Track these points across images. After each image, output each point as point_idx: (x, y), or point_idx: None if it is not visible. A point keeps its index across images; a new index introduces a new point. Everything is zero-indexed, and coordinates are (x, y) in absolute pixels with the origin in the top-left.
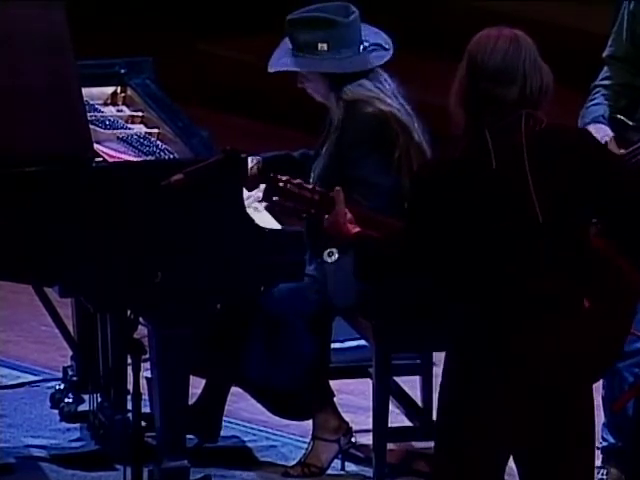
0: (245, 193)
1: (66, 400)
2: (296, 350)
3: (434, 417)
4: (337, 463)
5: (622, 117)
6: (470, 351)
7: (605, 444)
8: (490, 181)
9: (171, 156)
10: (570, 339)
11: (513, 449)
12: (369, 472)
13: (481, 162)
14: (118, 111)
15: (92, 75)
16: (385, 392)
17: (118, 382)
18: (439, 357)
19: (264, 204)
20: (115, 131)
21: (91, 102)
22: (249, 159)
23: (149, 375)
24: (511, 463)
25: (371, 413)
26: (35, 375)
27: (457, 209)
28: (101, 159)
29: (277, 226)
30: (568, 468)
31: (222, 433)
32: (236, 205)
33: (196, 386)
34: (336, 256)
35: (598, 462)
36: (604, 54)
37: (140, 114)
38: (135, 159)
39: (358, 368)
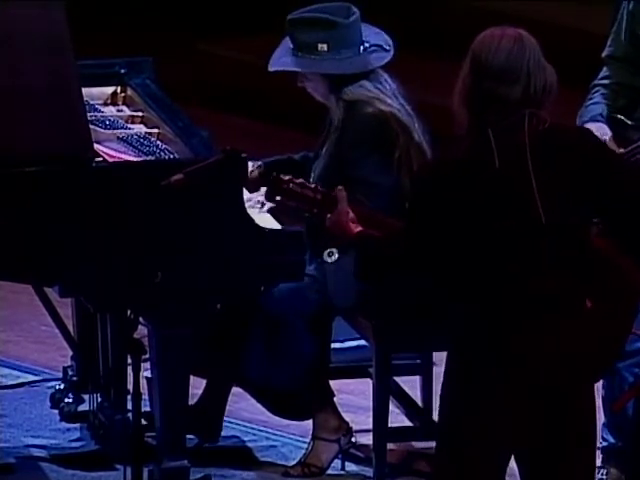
0: (246, 195)
1: (66, 400)
2: (296, 350)
3: (434, 417)
4: (337, 463)
5: (621, 116)
6: (470, 351)
7: (605, 444)
8: (493, 180)
9: (171, 156)
10: (570, 339)
11: (513, 449)
12: (369, 472)
13: (484, 161)
14: (118, 111)
15: (92, 75)
16: (385, 392)
17: (118, 382)
18: (439, 357)
19: (265, 205)
20: (115, 131)
21: (91, 102)
22: (250, 163)
23: (149, 375)
24: (512, 463)
25: (371, 413)
26: (35, 375)
27: (459, 208)
28: (101, 159)
29: (277, 226)
30: (568, 468)
31: (222, 433)
32: (236, 205)
33: (196, 386)
34: (336, 256)
35: (598, 462)
36: (603, 54)
37: (140, 114)
38: (135, 159)
39: (358, 368)
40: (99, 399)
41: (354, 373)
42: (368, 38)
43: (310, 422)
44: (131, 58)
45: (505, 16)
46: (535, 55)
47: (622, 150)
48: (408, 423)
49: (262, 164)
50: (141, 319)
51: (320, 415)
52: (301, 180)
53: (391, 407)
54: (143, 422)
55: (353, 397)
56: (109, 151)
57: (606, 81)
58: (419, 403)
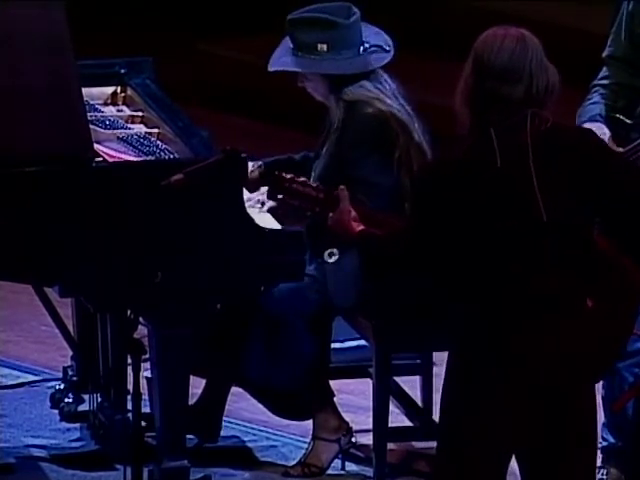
0: (246, 195)
1: (66, 400)
2: (296, 350)
3: (434, 417)
4: (337, 463)
5: (620, 116)
6: (470, 351)
7: (605, 444)
8: (495, 180)
9: (171, 156)
10: (570, 339)
11: (514, 449)
12: (369, 472)
13: (486, 161)
14: (118, 111)
15: (92, 75)
16: (385, 392)
17: (118, 382)
18: (439, 357)
19: (265, 206)
20: (115, 131)
21: (91, 102)
22: (250, 163)
23: (149, 375)
24: (513, 463)
25: (371, 413)
26: (35, 375)
27: (461, 208)
28: (101, 159)
29: (277, 226)
30: (569, 468)
31: (222, 433)
32: (236, 205)
33: (196, 386)
34: (336, 256)
35: (598, 462)
36: (603, 54)
37: (140, 114)
38: (135, 159)
39: (358, 368)
40: (99, 399)
41: (354, 373)
42: (368, 38)
43: (310, 422)
44: (131, 58)
45: (505, 16)
46: (538, 55)
47: (621, 149)
48: (408, 423)
49: (262, 164)
50: (141, 319)
51: (320, 415)
52: (303, 179)
53: (391, 407)
54: (143, 424)
55: (353, 397)
56: (109, 151)
57: (605, 81)
58: (419, 403)
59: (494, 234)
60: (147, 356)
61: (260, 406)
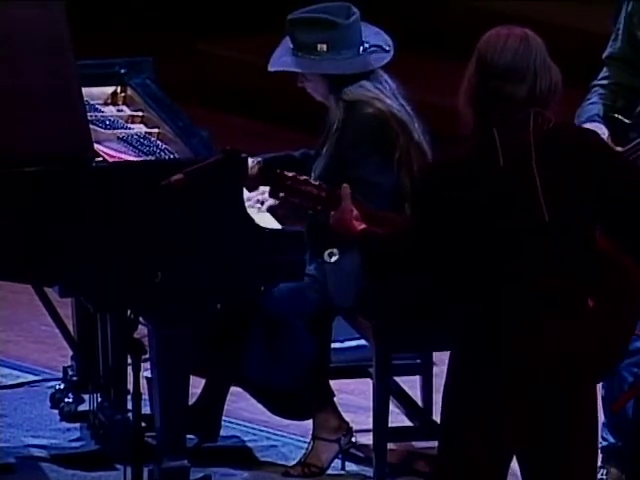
0: (246, 194)
1: (66, 400)
2: (296, 350)
3: (434, 417)
4: (337, 463)
5: (619, 116)
6: (470, 351)
7: (605, 444)
8: (497, 179)
9: (171, 156)
10: (571, 339)
11: (514, 449)
12: (369, 472)
13: (488, 160)
14: (118, 111)
15: (92, 75)
16: (385, 392)
17: (118, 382)
18: (439, 357)
19: (265, 205)
20: (115, 131)
21: (91, 102)
22: (250, 159)
23: (149, 375)
24: (514, 464)
25: (371, 413)
26: (35, 375)
27: (464, 207)
28: (101, 159)
29: (277, 226)
30: (569, 468)
31: (222, 433)
32: (236, 205)
33: (196, 386)
34: (336, 256)
35: (598, 462)
36: (604, 55)
37: (140, 114)
38: (135, 159)
39: (358, 368)
40: (99, 399)
41: (354, 373)
42: (368, 38)
43: (310, 422)
44: (131, 58)
45: (505, 16)
46: (541, 55)
47: (620, 149)
48: (408, 423)
49: (261, 160)
50: (141, 319)
51: (320, 415)
52: (305, 177)
53: (391, 407)
54: (143, 424)
55: (353, 397)
56: (109, 151)
57: (605, 81)
58: (419, 403)
59: (496, 233)
60: (147, 356)
61: (260, 406)
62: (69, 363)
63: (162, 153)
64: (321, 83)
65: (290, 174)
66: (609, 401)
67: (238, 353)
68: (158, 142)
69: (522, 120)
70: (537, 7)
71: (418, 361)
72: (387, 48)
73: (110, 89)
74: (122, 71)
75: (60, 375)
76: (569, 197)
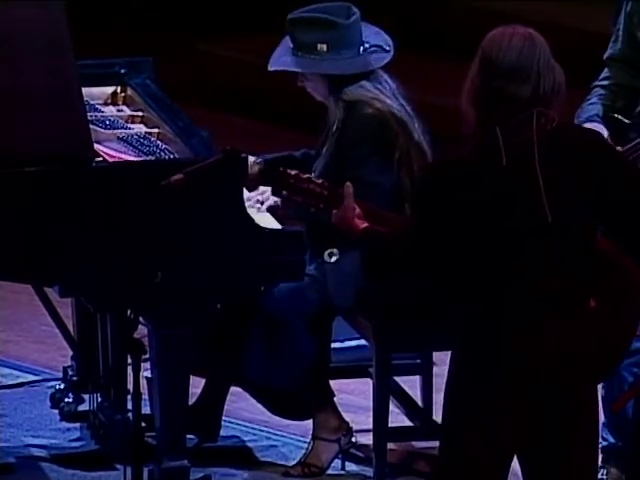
0: (245, 194)
1: (66, 400)
2: (296, 350)
3: (434, 417)
4: (337, 463)
5: (619, 116)
6: (470, 351)
7: (605, 444)
8: (500, 178)
9: (171, 156)
10: (571, 339)
11: (514, 449)
12: (369, 472)
13: (491, 160)
14: (118, 111)
15: (92, 75)
16: (385, 392)
17: (118, 382)
18: (439, 357)
19: (265, 205)
20: (115, 131)
21: (91, 102)
22: (250, 158)
23: (149, 375)
24: (515, 464)
25: (371, 413)
26: (35, 375)
27: (466, 207)
28: (101, 159)
29: (277, 226)
30: (569, 468)
31: (222, 433)
32: (236, 205)
33: (196, 386)
34: (336, 256)
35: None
36: (604, 56)
37: (140, 114)
38: (135, 159)
39: (358, 368)
40: (99, 399)
41: (354, 373)
42: (368, 38)
43: (310, 422)
44: (131, 58)
45: (505, 16)
46: (545, 54)
47: (619, 149)
48: (408, 423)
49: (262, 160)
50: (141, 319)
51: (320, 415)
52: (308, 175)
53: (391, 407)
54: (143, 424)
55: (353, 397)
56: (109, 151)
57: (605, 82)
58: (419, 403)
59: (498, 233)
60: (147, 356)
61: (260, 406)
62: (69, 363)
63: (162, 153)
64: (321, 83)
65: (293, 172)
66: (609, 401)
67: (238, 353)
68: (158, 142)
69: (525, 120)
70: (537, 7)
71: (418, 361)
72: (387, 48)
73: (110, 89)
74: (122, 71)
75: (60, 375)
76: (572, 197)
